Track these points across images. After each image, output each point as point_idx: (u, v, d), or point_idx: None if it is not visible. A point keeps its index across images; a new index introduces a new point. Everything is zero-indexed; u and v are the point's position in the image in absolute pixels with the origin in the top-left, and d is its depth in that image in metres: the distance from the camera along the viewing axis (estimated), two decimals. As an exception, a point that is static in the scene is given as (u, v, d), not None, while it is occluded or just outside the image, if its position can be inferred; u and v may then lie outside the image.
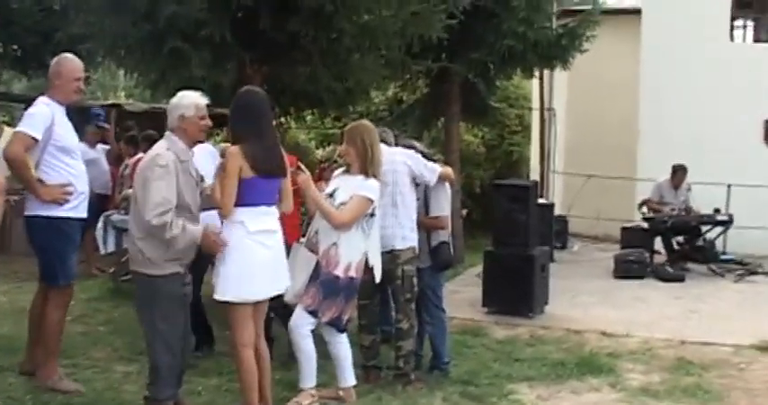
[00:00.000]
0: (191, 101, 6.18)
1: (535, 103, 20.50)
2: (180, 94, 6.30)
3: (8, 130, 6.91)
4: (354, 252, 6.79)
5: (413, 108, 17.47)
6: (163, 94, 11.81)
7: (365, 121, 7.23)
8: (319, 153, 21.83)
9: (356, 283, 6.84)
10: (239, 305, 6.05)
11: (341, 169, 7.22)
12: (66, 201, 6.78)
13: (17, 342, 7.97)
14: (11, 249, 13.42)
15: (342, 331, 6.93)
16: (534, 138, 20.76)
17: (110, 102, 17.71)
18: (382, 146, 7.29)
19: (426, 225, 7.82)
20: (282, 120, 14.01)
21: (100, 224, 10.60)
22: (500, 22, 14.09)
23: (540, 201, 15.11)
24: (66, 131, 6.89)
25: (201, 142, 6.40)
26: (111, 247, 10.70)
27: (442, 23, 10.51)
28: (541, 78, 18.91)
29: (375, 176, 6.87)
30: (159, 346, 6.06)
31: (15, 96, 19.75)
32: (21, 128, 6.74)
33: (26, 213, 6.81)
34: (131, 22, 9.67)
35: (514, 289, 10.68)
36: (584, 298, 12.24)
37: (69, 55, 7.14)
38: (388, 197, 7.31)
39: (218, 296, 6.03)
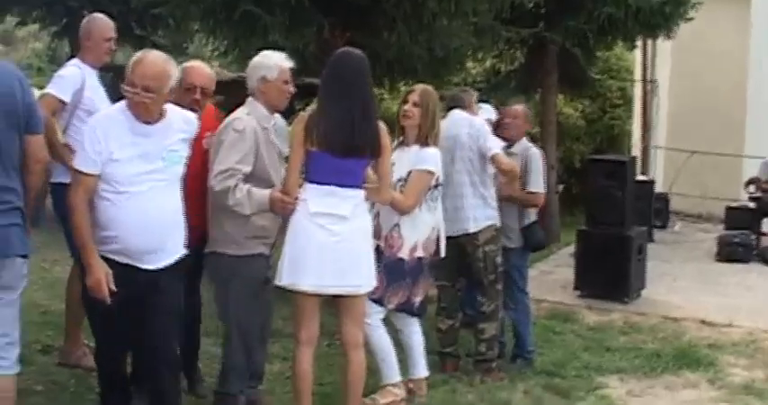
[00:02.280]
0: (274, 62, 5.66)
1: (637, 75, 19.70)
2: (262, 53, 5.79)
3: (37, 93, 6.51)
4: (420, 230, 6.18)
5: (509, 78, 16.85)
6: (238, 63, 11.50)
7: (429, 87, 6.52)
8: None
9: (425, 262, 6.24)
10: (298, 295, 5.36)
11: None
12: None
13: (60, 318, 7.63)
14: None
15: (415, 315, 6.38)
16: (636, 111, 19.94)
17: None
18: (455, 111, 6.98)
19: (520, 200, 7.39)
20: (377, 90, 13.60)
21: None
22: (601, -12, 13.34)
23: (640, 177, 14.46)
24: (96, 95, 6.47)
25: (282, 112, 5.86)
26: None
27: (535, -12, 9.85)
28: (644, 48, 18.11)
29: (432, 145, 6.23)
30: (235, 336, 5.62)
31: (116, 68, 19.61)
32: (48, 89, 6.38)
33: (51, 180, 6.37)
34: (203, -15, 9.22)
35: (609, 271, 10.06)
36: (683, 283, 11.45)
37: (99, 14, 6.80)
38: (457, 175, 6.82)
39: (275, 280, 5.41)
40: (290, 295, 5.42)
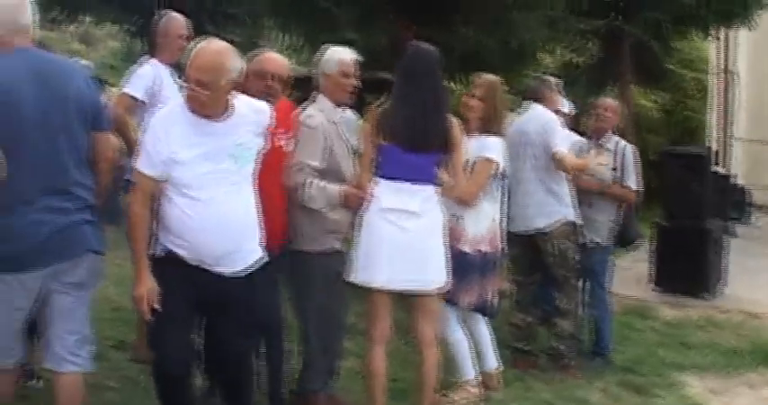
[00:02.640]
0: (333, 56, 5.63)
1: (713, 66, 19.29)
2: (327, 50, 5.76)
3: (113, 90, 6.55)
4: (483, 223, 6.01)
5: (584, 72, 16.65)
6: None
7: (495, 77, 6.36)
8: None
9: (491, 257, 6.07)
10: (370, 292, 5.29)
11: None
12: None
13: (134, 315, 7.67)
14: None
15: (491, 316, 6.28)
16: (713, 103, 19.55)
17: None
18: (531, 104, 6.88)
19: (615, 196, 7.26)
20: (450, 84, 13.52)
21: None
22: (677, -22, 13.12)
23: (718, 170, 14.16)
24: (172, 93, 6.37)
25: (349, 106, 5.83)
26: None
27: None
28: (724, 39, 17.78)
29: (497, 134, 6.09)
30: (312, 332, 5.58)
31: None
32: (124, 88, 6.43)
33: (125, 177, 6.38)
34: (273, -18, 9.23)
35: (687, 266, 9.89)
36: (766, 278, 11.06)
37: (173, 13, 6.76)
38: (526, 171, 6.72)
39: (346, 276, 5.35)
40: (362, 292, 5.36)
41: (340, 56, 5.62)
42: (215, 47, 4.49)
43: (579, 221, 6.84)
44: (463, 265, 5.78)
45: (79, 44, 36.45)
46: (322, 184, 5.27)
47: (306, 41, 11.04)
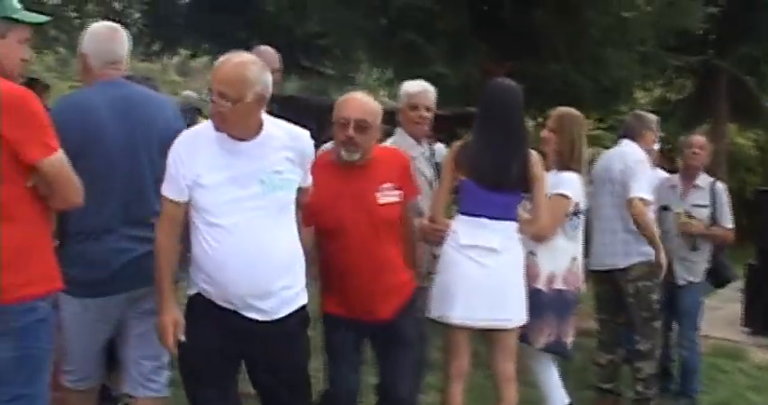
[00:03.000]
0: (403, 90, 5.66)
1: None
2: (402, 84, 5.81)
3: (202, 121, 6.60)
4: (559, 260, 5.82)
5: (678, 108, 16.49)
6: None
7: (575, 111, 6.15)
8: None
9: (567, 296, 5.85)
10: (448, 328, 5.23)
11: None
12: None
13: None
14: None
15: (566, 357, 6.07)
16: (816, 140, 19.13)
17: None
18: (623, 141, 6.70)
19: (710, 236, 7.09)
20: (540, 120, 13.50)
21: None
22: (772, 11, 12.94)
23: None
24: None
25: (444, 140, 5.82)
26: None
27: (700, 14, 9.56)
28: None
29: (575, 170, 5.89)
30: None
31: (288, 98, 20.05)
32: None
33: None
34: (364, 15, 9.30)
35: (779, 307, 9.58)
36: None
37: (265, 46, 6.68)
38: (608, 208, 6.59)
39: (426, 312, 5.28)
40: (442, 327, 5.31)
41: (407, 88, 5.64)
42: (238, 59, 4.05)
43: (663, 261, 6.69)
44: (537, 303, 5.62)
45: (177, 76, 37.21)
46: None
47: (396, 75, 11.12)
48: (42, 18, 3.94)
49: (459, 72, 10.04)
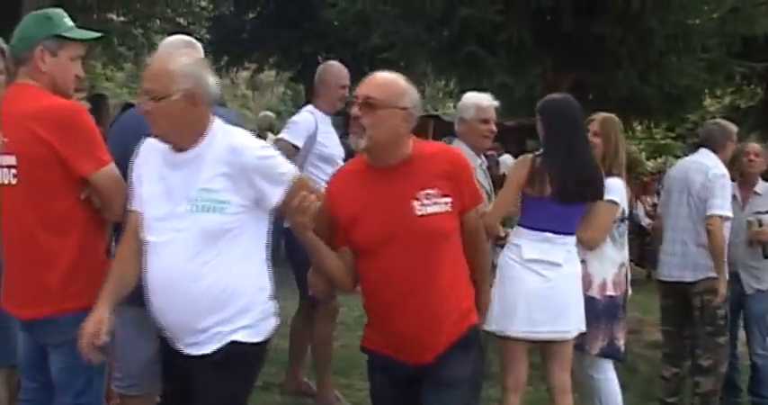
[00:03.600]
0: (471, 101, 5.59)
1: None
2: (465, 95, 5.77)
3: (271, 138, 6.63)
4: (608, 267, 5.71)
5: (746, 115, 16.28)
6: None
7: (611, 115, 5.97)
8: (650, 164, 20.93)
9: (618, 301, 5.75)
10: (507, 341, 5.17)
11: None
12: None
13: (284, 355, 7.79)
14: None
15: (621, 360, 5.96)
16: None
17: (426, 113, 17.77)
18: (702, 150, 6.63)
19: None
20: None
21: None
22: None
23: None
24: (330, 141, 6.50)
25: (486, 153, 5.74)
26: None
27: (766, 19, 9.42)
28: None
29: (617, 176, 5.72)
30: None
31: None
32: (282, 135, 6.46)
33: (285, 225, 6.48)
34: (426, 28, 9.33)
35: None
36: None
37: (335, 62, 6.80)
38: (682, 220, 6.52)
39: (484, 326, 5.08)
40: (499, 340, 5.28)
41: (478, 101, 5.58)
42: (169, 53, 3.83)
43: (723, 280, 6.59)
44: (592, 310, 5.55)
45: (247, 90, 37.42)
46: None
47: (460, 87, 11.15)
48: (92, 34, 4.00)
49: (523, 83, 10.04)
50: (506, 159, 14.19)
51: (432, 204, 3.76)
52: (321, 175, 6.28)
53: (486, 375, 5.86)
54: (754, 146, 7.09)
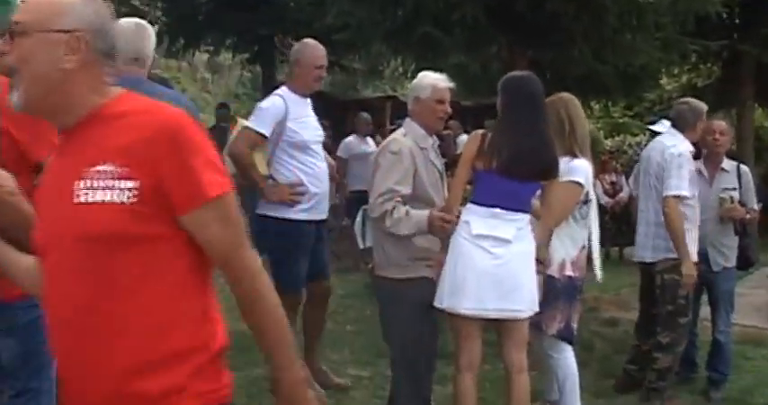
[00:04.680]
0: (427, 81, 5.44)
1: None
2: (420, 74, 5.62)
3: (241, 122, 6.48)
4: (569, 247, 5.72)
5: (703, 93, 16.37)
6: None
7: (565, 94, 5.98)
8: (608, 143, 20.98)
9: (576, 282, 5.76)
10: (458, 319, 5.15)
11: None
12: (296, 202, 6.21)
13: (252, 340, 7.75)
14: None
15: (572, 343, 5.91)
16: (843, 124, 18.96)
17: (384, 94, 17.74)
18: (663, 128, 6.78)
19: (751, 219, 7.02)
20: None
21: (359, 218, 10.28)
22: (798, -5, 12.83)
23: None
24: (302, 126, 6.28)
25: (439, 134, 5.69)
26: (369, 242, 10.37)
27: (719, -2, 9.45)
28: None
29: (581, 155, 5.71)
30: (401, 359, 5.44)
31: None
32: (248, 122, 6.27)
33: (257, 211, 6.42)
34: (380, 8, 9.28)
35: (807, 294, 9.50)
36: None
37: (310, 41, 6.50)
38: (642, 200, 6.65)
39: (435, 302, 5.19)
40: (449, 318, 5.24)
41: (434, 82, 5.44)
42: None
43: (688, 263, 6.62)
44: (551, 289, 5.60)
45: (207, 73, 37.20)
46: (405, 210, 5.12)
47: (417, 67, 11.12)
48: None
49: (478, 63, 10.03)
50: (464, 139, 14.19)
51: (100, 189, 2.31)
52: (293, 162, 6.22)
53: (435, 355, 5.80)
54: (720, 124, 7.07)
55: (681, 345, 6.67)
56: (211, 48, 18.14)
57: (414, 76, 11.83)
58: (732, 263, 6.97)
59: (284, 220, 6.21)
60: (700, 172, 6.87)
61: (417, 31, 9.18)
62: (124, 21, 4.56)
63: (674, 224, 6.32)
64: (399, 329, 5.35)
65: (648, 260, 6.57)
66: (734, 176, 6.99)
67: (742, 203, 6.93)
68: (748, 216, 6.92)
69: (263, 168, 6.20)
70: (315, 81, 6.34)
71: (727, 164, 7.05)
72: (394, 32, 9.66)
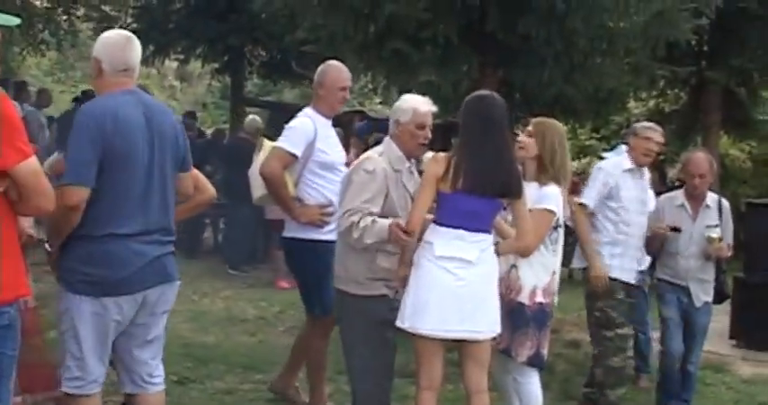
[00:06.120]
0: (409, 105, 5.48)
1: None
2: (403, 96, 5.66)
3: (267, 145, 6.45)
4: (540, 274, 5.73)
5: (669, 118, 16.49)
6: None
7: (552, 121, 6.04)
8: (575, 165, 21.01)
9: (546, 308, 5.77)
10: (419, 339, 5.17)
11: None
12: (325, 223, 6.18)
13: (214, 352, 7.67)
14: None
15: (542, 369, 5.93)
16: (809, 154, 19.06)
17: (352, 109, 17.68)
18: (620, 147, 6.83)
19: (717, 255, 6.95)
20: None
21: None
22: (764, 25, 12.96)
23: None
24: (329, 146, 6.32)
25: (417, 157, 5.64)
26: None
27: (689, 25, 9.47)
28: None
29: (561, 183, 5.75)
30: (358, 373, 5.49)
31: (284, 106, 20.04)
32: (280, 143, 6.24)
33: (284, 234, 6.38)
34: (353, 23, 9.24)
35: (765, 321, 9.56)
36: None
37: (335, 62, 6.57)
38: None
39: (397, 322, 5.20)
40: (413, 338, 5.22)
41: (416, 106, 5.46)
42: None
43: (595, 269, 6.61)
44: (521, 316, 5.63)
45: (176, 81, 37.12)
46: (371, 219, 5.15)
47: (388, 83, 11.14)
48: (14, 20, 3.94)
49: (449, 81, 10.01)
50: (428, 156, 14.19)
51: None
52: (321, 182, 6.23)
53: (391, 373, 5.77)
54: (699, 165, 6.92)
55: (609, 359, 6.64)
56: (181, 56, 18.01)
57: (384, 92, 11.89)
58: (711, 297, 7.01)
59: (314, 241, 6.17)
60: (683, 206, 6.93)
61: (388, 47, 9.15)
62: (112, 32, 4.83)
63: (579, 229, 6.57)
64: (356, 345, 5.40)
65: (577, 269, 6.86)
66: (715, 212, 6.95)
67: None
68: (729, 253, 6.92)
69: (291, 190, 6.20)
70: (339, 103, 6.42)
71: (710, 199, 7.00)
72: (365, 47, 9.62)
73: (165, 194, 4.64)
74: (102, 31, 4.95)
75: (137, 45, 4.67)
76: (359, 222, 5.14)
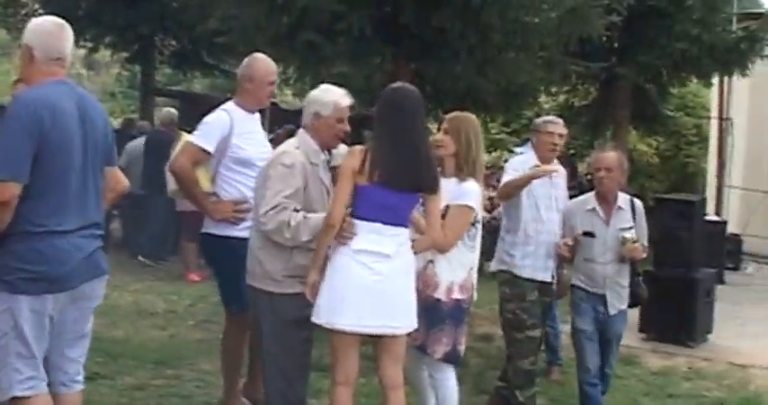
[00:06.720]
0: (330, 98, 5.41)
1: (714, 113, 19.16)
2: (323, 87, 5.58)
3: (184, 138, 6.31)
4: (457, 270, 5.71)
5: (580, 113, 16.68)
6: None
7: (469, 115, 6.01)
8: (485, 158, 21.17)
9: (464, 305, 5.77)
10: (335, 334, 5.09)
11: None
12: (240, 219, 6.02)
13: (123, 347, 7.53)
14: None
15: (457, 365, 5.95)
16: (712, 149, 19.42)
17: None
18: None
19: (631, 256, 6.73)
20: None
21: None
22: (673, 23, 13.24)
23: (711, 218, 14.06)
24: (248, 142, 6.09)
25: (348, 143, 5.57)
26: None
27: (602, 21, 9.57)
28: (720, 86, 17.74)
29: (476, 178, 5.74)
30: (272, 370, 5.41)
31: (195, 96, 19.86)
32: (192, 138, 6.12)
33: (201, 230, 6.25)
34: (266, 15, 9.15)
35: (674, 314, 9.73)
36: (752, 327, 10.93)
37: (261, 55, 6.34)
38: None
39: (312, 317, 5.12)
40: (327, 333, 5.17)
41: (336, 99, 5.41)
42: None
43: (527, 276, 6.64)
44: (436, 312, 5.59)
45: (83, 69, 36.53)
46: (302, 215, 5.10)
47: (300, 75, 11.04)
48: None
49: (361, 73, 9.99)
50: (341, 149, 14.12)
51: None
52: (238, 178, 6.06)
53: (307, 369, 5.70)
54: (606, 157, 6.75)
55: (519, 359, 6.64)
56: (90, 44, 17.68)
57: (295, 84, 11.76)
58: (626, 303, 6.82)
59: (230, 238, 6.03)
60: (594, 211, 6.69)
61: (301, 39, 9.08)
62: (44, 19, 4.72)
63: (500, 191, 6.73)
64: (272, 340, 5.34)
65: (492, 269, 6.80)
66: (629, 213, 6.72)
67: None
68: (644, 255, 6.72)
69: (206, 185, 6.05)
70: (267, 97, 6.27)
71: (623, 200, 6.75)
72: (278, 38, 9.53)
73: (97, 189, 4.58)
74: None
75: (70, 34, 4.57)
76: (289, 221, 5.08)
